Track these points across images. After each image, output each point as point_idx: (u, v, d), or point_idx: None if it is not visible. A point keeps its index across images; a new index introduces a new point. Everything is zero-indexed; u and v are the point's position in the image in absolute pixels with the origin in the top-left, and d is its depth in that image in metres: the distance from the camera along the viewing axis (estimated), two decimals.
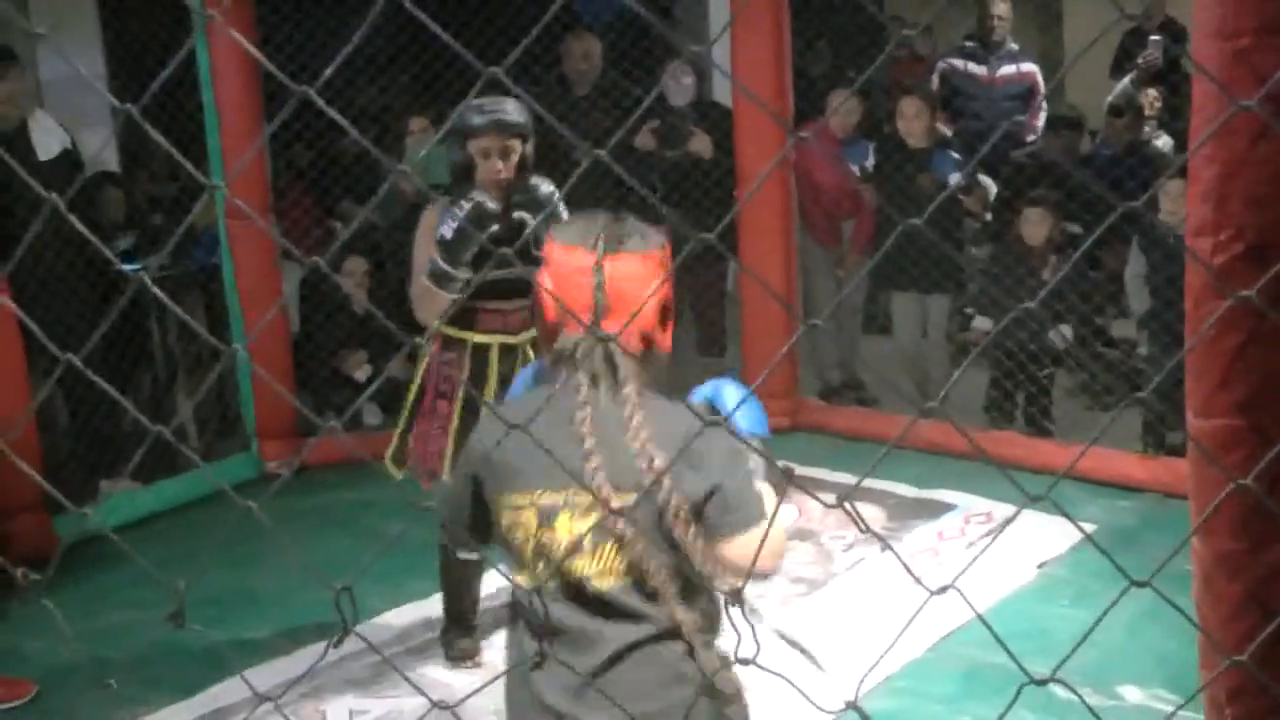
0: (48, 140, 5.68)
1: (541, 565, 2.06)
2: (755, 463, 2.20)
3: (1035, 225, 5.71)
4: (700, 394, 2.28)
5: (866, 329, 6.79)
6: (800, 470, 5.78)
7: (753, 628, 1.77)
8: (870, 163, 6.38)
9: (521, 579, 2.11)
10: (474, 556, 3.87)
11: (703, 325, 6.97)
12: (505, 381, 3.69)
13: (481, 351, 3.86)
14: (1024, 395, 5.83)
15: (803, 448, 5.93)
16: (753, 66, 5.88)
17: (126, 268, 6.09)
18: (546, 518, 2.05)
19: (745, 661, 1.53)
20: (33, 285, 5.25)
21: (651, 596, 2.03)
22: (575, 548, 2.03)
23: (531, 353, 3.80)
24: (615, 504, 1.98)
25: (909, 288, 6.11)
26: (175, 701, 3.97)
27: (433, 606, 4.31)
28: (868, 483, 5.30)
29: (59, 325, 5.34)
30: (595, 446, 2.01)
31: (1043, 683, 1.32)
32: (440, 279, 3.57)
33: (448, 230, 3.59)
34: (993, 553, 4.56)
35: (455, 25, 6.37)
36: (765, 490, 2.18)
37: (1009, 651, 1.31)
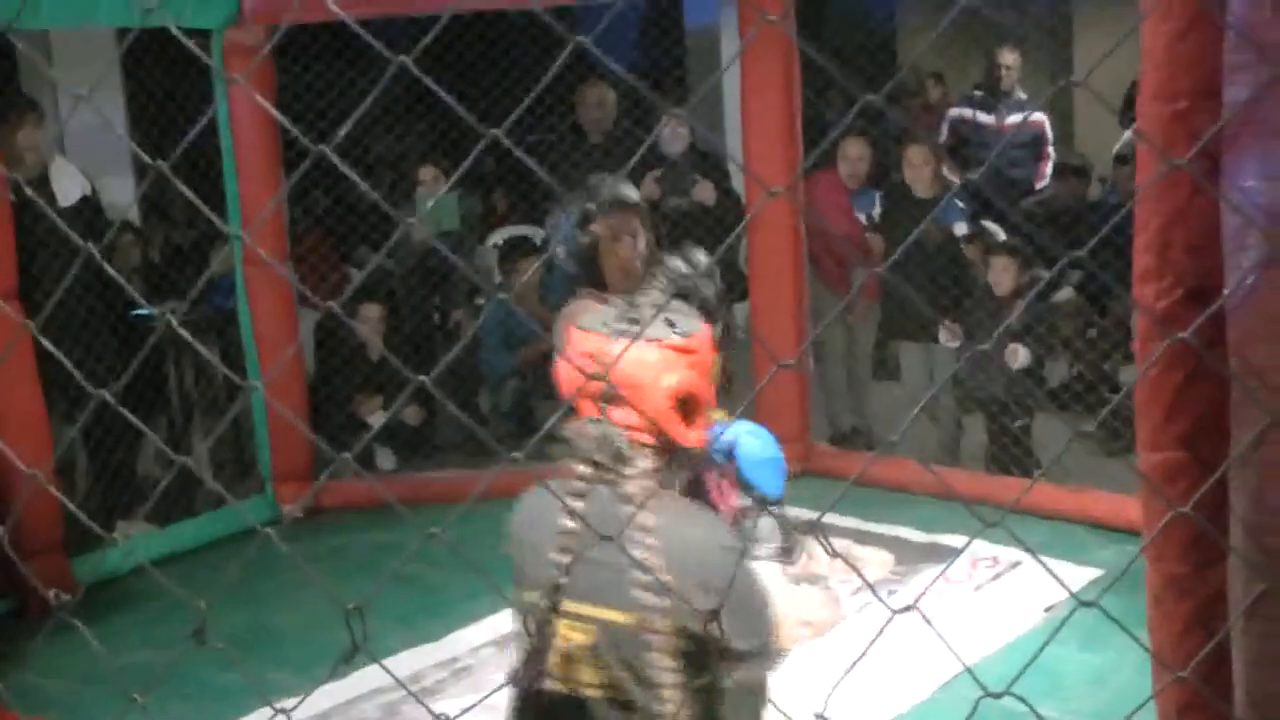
0: (68, 186, 5.78)
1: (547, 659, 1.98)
2: (765, 528, 2.13)
3: (1000, 273, 5.75)
4: (720, 443, 2.18)
5: (876, 375, 6.84)
6: (809, 515, 5.79)
7: None
8: (877, 211, 6.45)
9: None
10: None
11: None
12: None
13: None
14: (1010, 438, 5.86)
15: (814, 492, 5.95)
16: (762, 115, 5.97)
17: (143, 311, 6.19)
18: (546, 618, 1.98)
19: None
20: (52, 329, 5.32)
21: (628, 708, 1.95)
22: (568, 657, 1.96)
23: None
24: (593, 618, 1.91)
25: (916, 337, 6.17)
26: None
27: (449, 648, 4.35)
28: (876, 527, 5.38)
29: (78, 369, 5.42)
30: (578, 552, 1.92)
31: None
32: None
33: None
34: (999, 596, 4.60)
35: (474, 73, 6.50)
36: (769, 576, 2.06)
37: (1019, 697, 1.35)
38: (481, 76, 6.55)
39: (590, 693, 1.96)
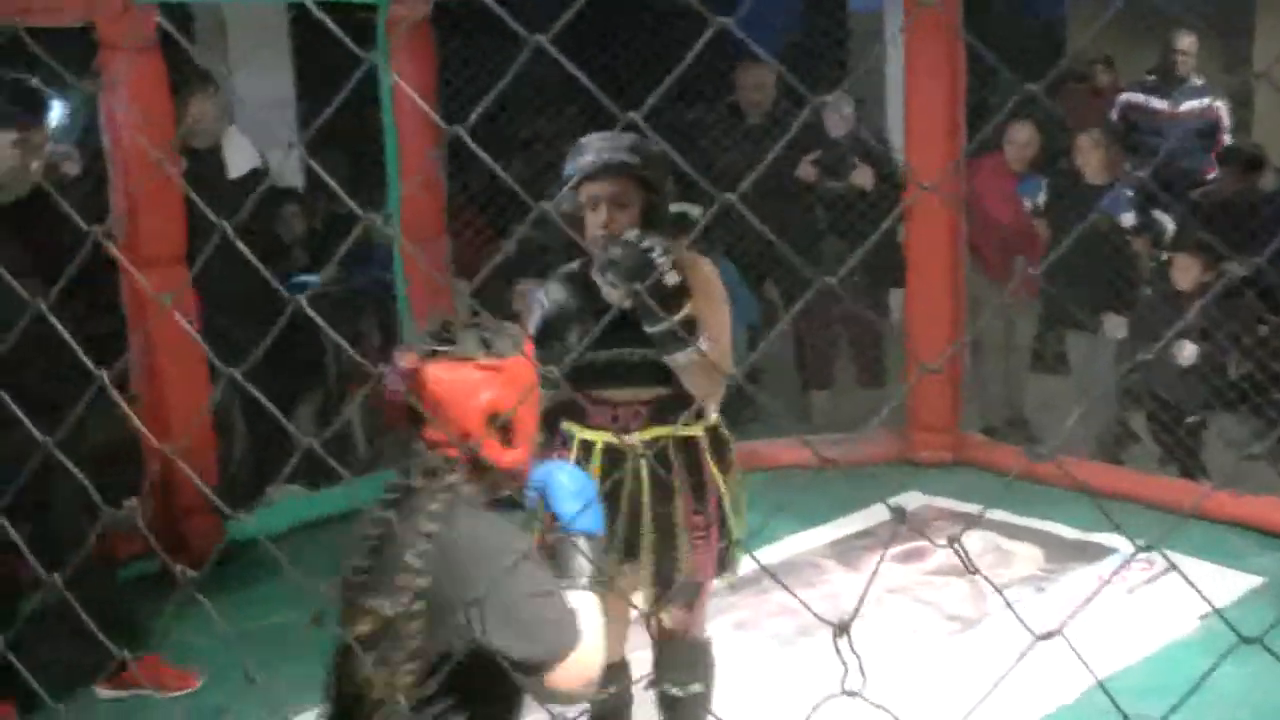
0: (238, 158, 5.92)
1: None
2: (580, 566, 2.08)
3: (1182, 270, 5.55)
4: (533, 481, 2.16)
5: (1034, 367, 6.67)
6: (959, 507, 5.71)
7: None
8: (1042, 199, 6.28)
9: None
10: None
11: (860, 358, 6.93)
12: (613, 491, 3.05)
13: (586, 450, 3.14)
14: (1172, 438, 5.66)
15: (962, 484, 5.86)
16: (925, 100, 5.86)
17: (303, 279, 6.33)
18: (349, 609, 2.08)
19: None
20: (214, 296, 5.46)
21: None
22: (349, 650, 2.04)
23: (645, 459, 3.10)
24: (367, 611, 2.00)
25: (1082, 326, 5.99)
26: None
27: None
28: (1028, 522, 5.26)
29: (240, 337, 5.57)
30: (371, 556, 2.04)
31: None
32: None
33: (532, 323, 3.12)
34: (1153, 600, 4.45)
35: (636, 51, 6.47)
36: (583, 602, 2.04)
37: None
38: (644, 54, 6.51)
39: (361, 688, 2.02)
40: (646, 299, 2.82)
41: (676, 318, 2.84)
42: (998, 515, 5.27)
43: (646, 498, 3.12)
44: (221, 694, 4.27)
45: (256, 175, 5.89)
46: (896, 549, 4.99)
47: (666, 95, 1.37)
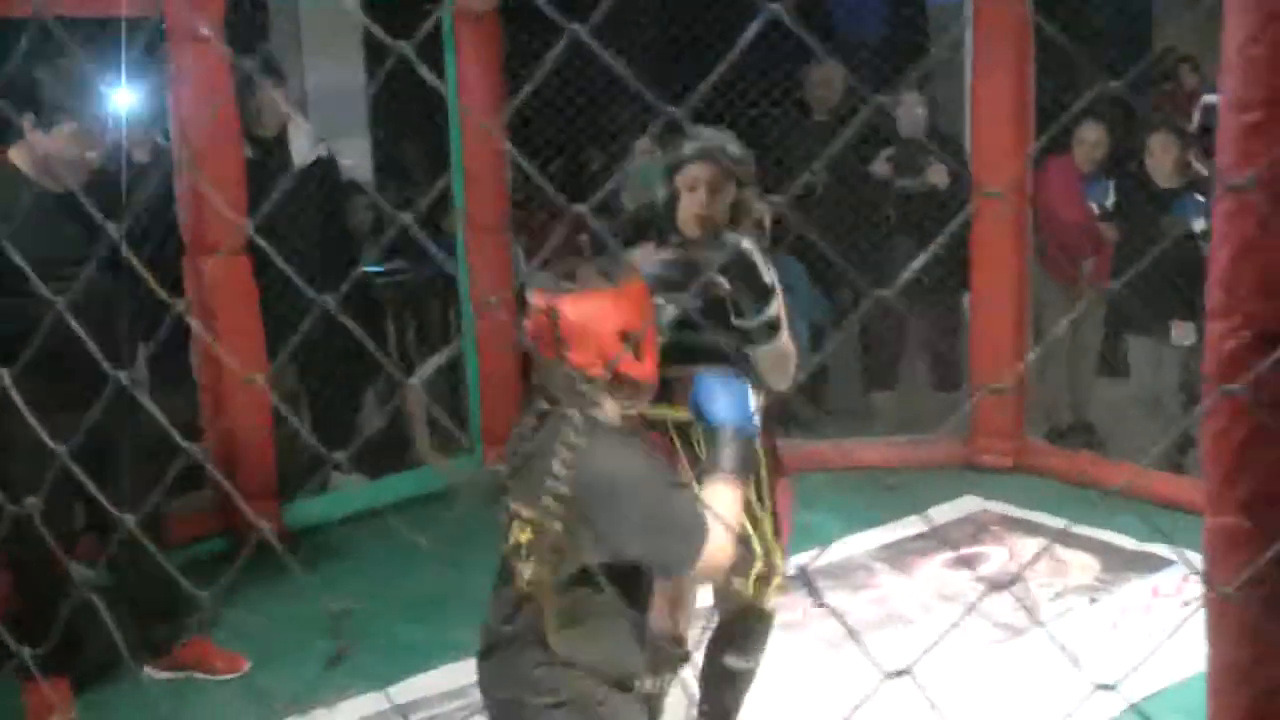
0: (305, 148, 5.98)
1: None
2: (727, 455, 2.38)
3: None
4: (694, 394, 2.49)
5: (1100, 371, 6.56)
6: (1016, 513, 5.63)
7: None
8: (1111, 201, 6.17)
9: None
10: None
11: (936, 360, 6.86)
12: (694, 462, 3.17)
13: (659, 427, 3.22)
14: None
15: (1024, 489, 5.78)
16: (993, 97, 5.79)
17: (370, 269, 6.39)
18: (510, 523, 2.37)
19: None
20: (278, 285, 5.52)
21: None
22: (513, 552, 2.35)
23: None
24: (524, 517, 2.30)
25: (1147, 330, 5.89)
26: (374, 690, 4.13)
27: None
28: (1085, 530, 5.17)
29: (302, 324, 5.62)
30: (520, 464, 2.33)
31: None
32: None
33: None
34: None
35: (705, 46, 6.44)
36: (719, 493, 2.33)
37: None
38: (713, 49, 6.47)
39: (521, 586, 2.33)
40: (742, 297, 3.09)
41: (770, 312, 3.07)
42: (1056, 522, 5.19)
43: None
44: (270, 678, 4.33)
45: (321, 165, 5.95)
46: (950, 554, 4.94)
47: (734, 92, 1.35)
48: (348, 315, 1.42)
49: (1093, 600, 4.70)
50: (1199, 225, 5.78)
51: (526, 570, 2.30)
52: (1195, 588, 4.70)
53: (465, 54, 5.91)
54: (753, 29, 1.32)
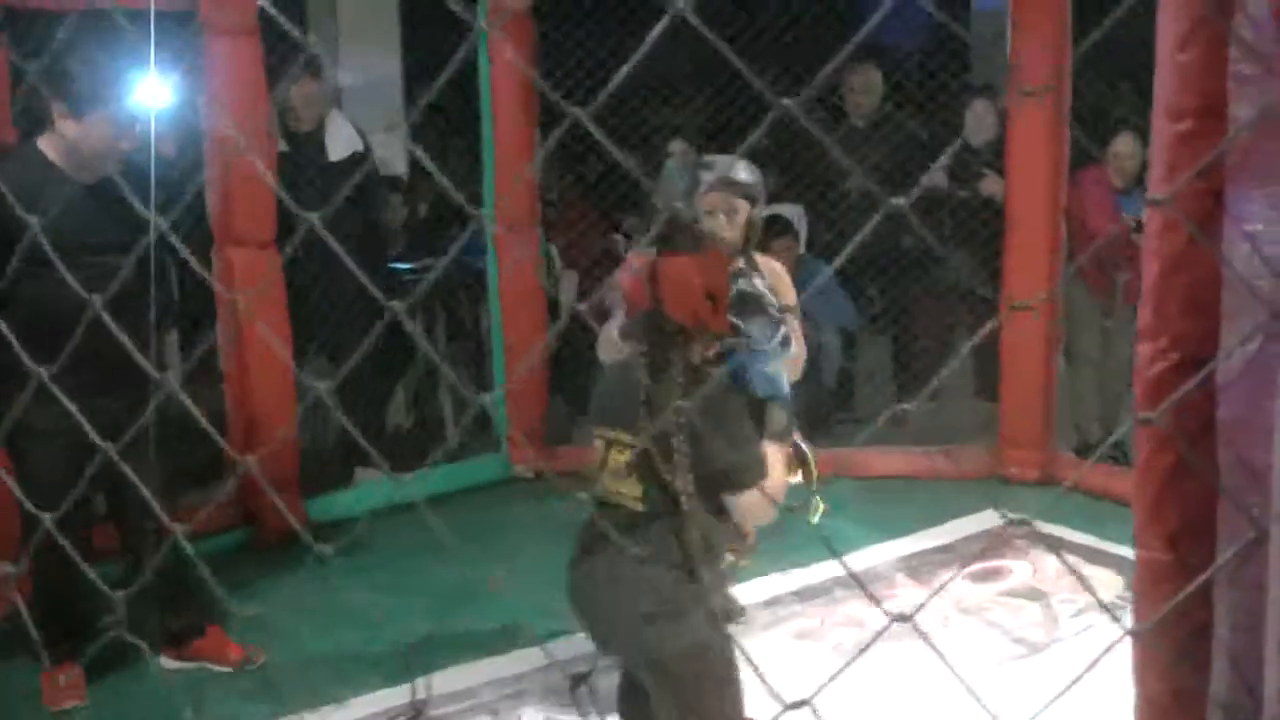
0: (339, 142, 5.98)
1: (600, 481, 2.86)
2: (774, 418, 2.94)
3: None
4: (734, 360, 2.94)
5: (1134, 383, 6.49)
6: (1039, 526, 5.55)
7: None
8: (1144, 214, 6.10)
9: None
10: None
11: (978, 369, 6.79)
12: None
13: None
14: None
15: (1050, 503, 5.72)
16: (1025, 108, 5.75)
17: (401, 266, 6.39)
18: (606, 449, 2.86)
19: None
20: (308, 280, 5.53)
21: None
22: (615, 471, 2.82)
23: None
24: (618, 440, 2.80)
25: None
26: (389, 686, 4.13)
27: None
28: (1107, 546, 5.12)
29: (332, 319, 5.64)
30: (620, 398, 2.84)
31: None
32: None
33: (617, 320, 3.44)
34: None
35: (747, 50, 6.40)
36: (769, 452, 2.87)
37: None
38: (759, 52, 6.44)
39: (628, 503, 2.80)
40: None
41: (781, 333, 3.26)
42: (1081, 538, 5.14)
43: None
44: (284, 671, 4.33)
45: (356, 159, 5.95)
46: (972, 567, 4.90)
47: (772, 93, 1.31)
48: (378, 312, 1.41)
49: (1116, 618, 4.64)
50: None
51: (624, 487, 2.78)
52: None
53: (498, 50, 5.90)
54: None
